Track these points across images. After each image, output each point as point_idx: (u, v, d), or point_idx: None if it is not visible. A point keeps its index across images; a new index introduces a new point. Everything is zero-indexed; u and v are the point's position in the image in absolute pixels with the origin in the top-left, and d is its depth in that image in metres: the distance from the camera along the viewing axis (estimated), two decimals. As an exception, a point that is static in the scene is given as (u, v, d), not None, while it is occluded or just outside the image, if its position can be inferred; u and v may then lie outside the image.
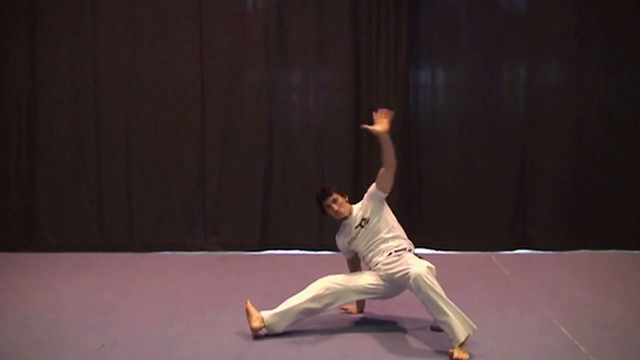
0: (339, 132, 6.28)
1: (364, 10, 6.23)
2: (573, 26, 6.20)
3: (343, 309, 4.30)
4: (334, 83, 6.36)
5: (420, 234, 6.04)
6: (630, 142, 6.26)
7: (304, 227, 6.33)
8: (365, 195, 4.08)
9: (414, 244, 4.09)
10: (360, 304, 4.34)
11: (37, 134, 6.38)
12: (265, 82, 6.37)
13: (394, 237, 3.98)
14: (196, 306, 4.53)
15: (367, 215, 4.01)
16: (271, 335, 3.87)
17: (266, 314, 3.87)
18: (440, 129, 6.42)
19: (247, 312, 3.88)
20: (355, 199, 4.20)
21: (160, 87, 6.33)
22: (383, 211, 4.03)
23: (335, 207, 4.03)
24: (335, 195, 4.05)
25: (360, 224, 4.02)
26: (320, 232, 6.23)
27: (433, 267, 3.72)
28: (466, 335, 3.50)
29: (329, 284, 3.91)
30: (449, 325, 3.51)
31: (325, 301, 3.89)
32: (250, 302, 3.92)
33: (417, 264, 3.68)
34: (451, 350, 3.52)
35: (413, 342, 3.82)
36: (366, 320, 4.24)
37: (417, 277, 3.57)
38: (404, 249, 3.94)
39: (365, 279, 3.96)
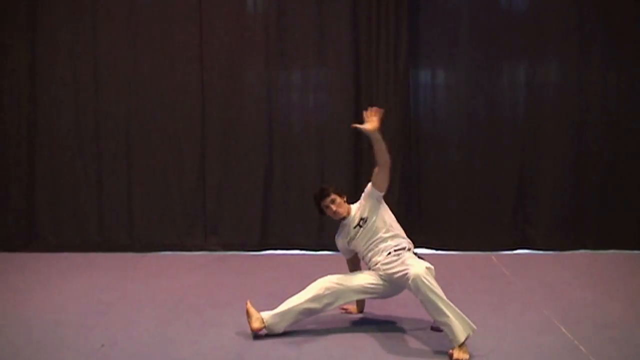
0: (339, 132, 6.28)
1: (364, 10, 6.23)
2: (573, 26, 6.21)
3: (343, 309, 4.30)
4: (334, 83, 6.36)
5: (420, 234, 6.06)
6: (630, 142, 6.25)
7: (304, 227, 6.33)
8: (363, 194, 4.08)
9: (414, 243, 4.09)
10: (360, 304, 4.34)
11: (37, 134, 6.39)
12: (265, 82, 6.37)
13: (392, 237, 3.98)
14: (196, 306, 4.53)
15: (365, 215, 4.01)
16: (271, 335, 3.87)
17: (266, 315, 3.87)
18: (440, 129, 6.42)
19: (247, 313, 3.88)
20: (355, 198, 4.19)
21: (160, 87, 6.33)
22: (380, 210, 4.02)
23: (334, 207, 4.03)
24: (333, 196, 4.04)
25: (358, 224, 4.02)
26: (320, 232, 6.23)
27: (432, 267, 3.71)
28: (466, 335, 3.50)
29: (328, 284, 3.91)
30: (449, 325, 3.51)
31: (325, 301, 3.89)
32: (250, 302, 3.92)
33: (416, 265, 3.67)
34: (451, 351, 3.52)
35: (413, 342, 3.82)
36: (366, 320, 4.24)
37: (416, 278, 3.57)
38: (403, 248, 3.94)
39: (365, 279, 3.96)
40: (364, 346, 3.76)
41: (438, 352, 3.62)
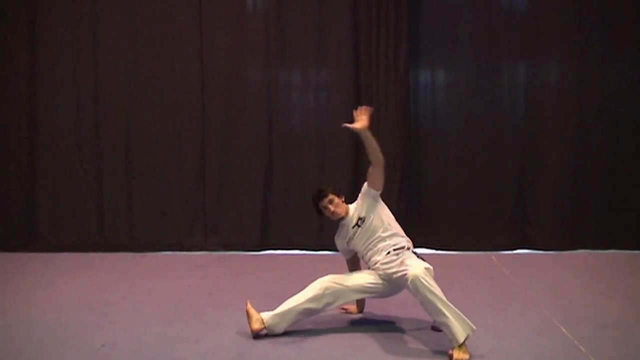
0: (339, 132, 6.23)
1: (364, 10, 6.24)
2: (573, 26, 6.21)
3: (343, 309, 4.30)
4: (334, 83, 6.36)
5: (420, 233, 6.05)
6: (630, 142, 6.26)
7: (304, 227, 6.33)
8: (360, 194, 4.08)
9: (413, 243, 4.08)
10: (360, 304, 4.34)
11: (37, 134, 6.39)
12: (265, 82, 6.37)
13: (391, 236, 3.97)
14: (196, 306, 4.53)
15: (362, 215, 4.01)
16: (271, 335, 3.87)
17: (266, 315, 3.87)
18: (440, 129, 6.42)
19: (247, 314, 3.87)
20: (355, 198, 4.19)
21: (160, 87, 6.33)
22: (378, 209, 4.02)
23: (332, 208, 4.02)
24: (331, 196, 4.04)
25: (356, 224, 4.02)
26: (320, 232, 6.23)
27: (431, 267, 3.70)
28: (465, 335, 3.49)
29: (328, 283, 3.91)
30: (448, 326, 3.50)
31: (325, 301, 3.89)
32: (250, 303, 3.92)
33: (415, 266, 3.66)
34: (451, 351, 3.51)
35: (412, 342, 3.82)
36: (366, 320, 4.24)
37: (415, 279, 3.56)
38: (402, 248, 3.93)
39: (365, 278, 3.96)
40: (364, 346, 3.76)
41: (438, 352, 3.62)
